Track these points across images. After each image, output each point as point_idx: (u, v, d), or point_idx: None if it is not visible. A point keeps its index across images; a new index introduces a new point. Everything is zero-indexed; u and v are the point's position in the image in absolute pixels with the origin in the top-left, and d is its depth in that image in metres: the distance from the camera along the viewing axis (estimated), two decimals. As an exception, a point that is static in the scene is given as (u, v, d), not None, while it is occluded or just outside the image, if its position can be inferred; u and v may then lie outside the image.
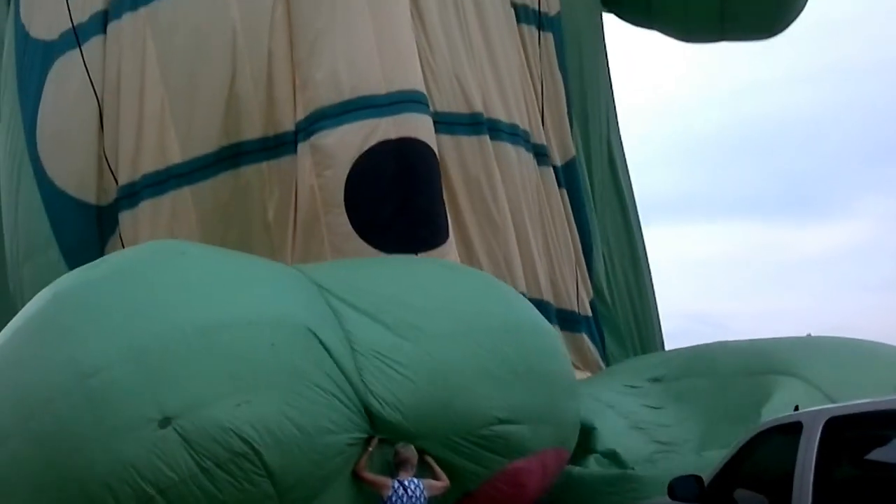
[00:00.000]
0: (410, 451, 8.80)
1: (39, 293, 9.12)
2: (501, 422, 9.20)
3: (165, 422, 7.83)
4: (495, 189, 13.69)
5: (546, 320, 10.80)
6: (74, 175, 13.87)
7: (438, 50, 13.49)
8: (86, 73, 13.24)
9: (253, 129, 12.78)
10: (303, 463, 8.18)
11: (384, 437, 8.74)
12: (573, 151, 15.86)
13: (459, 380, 9.10)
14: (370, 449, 8.69)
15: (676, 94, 54.20)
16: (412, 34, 13.01)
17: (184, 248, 9.93)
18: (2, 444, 8.27)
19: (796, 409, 8.60)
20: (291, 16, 12.86)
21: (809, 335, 9.40)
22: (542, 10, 15.46)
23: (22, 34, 13.85)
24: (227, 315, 8.59)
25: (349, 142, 12.23)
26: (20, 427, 8.20)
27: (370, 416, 8.63)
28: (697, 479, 8.88)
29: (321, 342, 8.73)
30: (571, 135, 15.91)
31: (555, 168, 15.31)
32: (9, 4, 14.93)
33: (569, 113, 15.88)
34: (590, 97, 16.55)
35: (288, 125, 12.79)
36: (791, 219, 54.32)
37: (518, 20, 15.23)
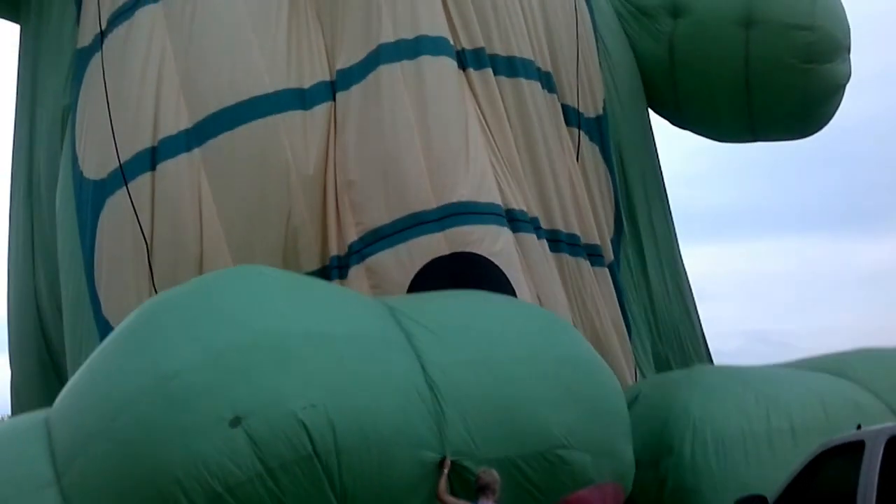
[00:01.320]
0: (492, 477, 8.81)
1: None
2: (564, 446, 9.34)
3: (236, 421, 8.17)
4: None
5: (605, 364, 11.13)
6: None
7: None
8: (134, 215, 12.83)
9: (311, 262, 12.68)
10: (366, 472, 8.39)
11: (454, 459, 8.82)
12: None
13: (525, 403, 9.31)
14: (445, 471, 8.75)
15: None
16: (461, 142, 12.85)
17: (262, 269, 10.31)
18: (87, 445, 8.73)
19: (858, 427, 8.75)
20: (337, 140, 12.86)
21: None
22: (581, 110, 15.35)
23: (77, 172, 13.79)
24: (300, 326, 8.98)
25: (403, 261, 12.09)
26: (104, 428, 8.65)
27: (439, 433, 8.81)
28: (762, 499, 9.02)
29: (391, 357, 9.04)
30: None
31: (609, 267, 14.97)
32: (63, 129, 14.77)
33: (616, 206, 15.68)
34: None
35: (338, 249, 12.64)
36: (858, 232, 53.61)
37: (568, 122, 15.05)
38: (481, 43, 13.69)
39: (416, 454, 8.68)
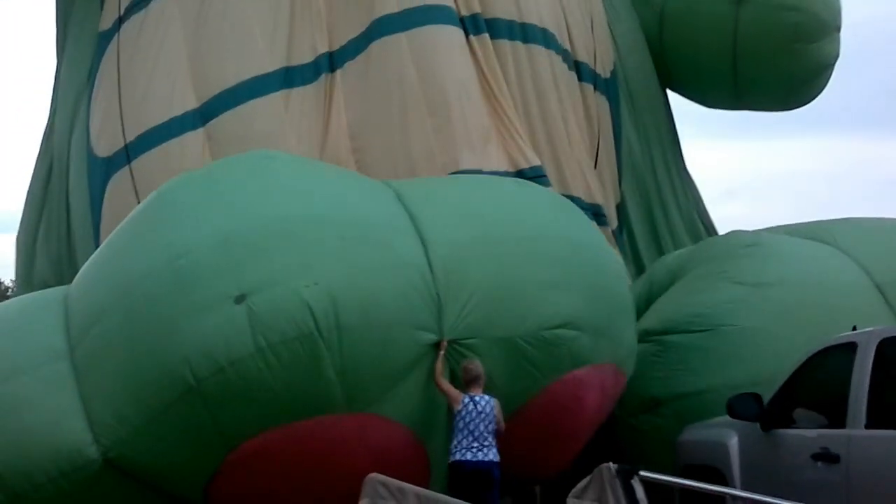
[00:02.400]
0: (479, 368, 9.01)
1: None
2: (562, 325, 9.46)
3: (240, 298, 8.43)
4: None
5: (610, 246, 11.22)
6: None
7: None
8: (134, 192, 12.96)
9: None
10: (366, 351, 8.60)
11: (452, 339, 9.02)
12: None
13: (525, 282, 9.45)
14: (442, 353, 8.94)
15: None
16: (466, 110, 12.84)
17: (273, 154, 10.58)
18: (99, 319, 9.10)
19: (854, 329, 8.90)
20: (333, 113, 12.97)
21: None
22: (597, 70, 15.47)
23: (89, 149, 14.05)
24: (306, 209, 9.25)
25: None
26: (115, 304, 9.03)
27: (438, 314, 8.98)
28: (756, 397, 9.13)
29: (395, 239, 9.24)
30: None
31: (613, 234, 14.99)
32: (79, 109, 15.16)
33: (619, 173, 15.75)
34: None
35: None
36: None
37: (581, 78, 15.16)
38: (477, 8, 13.60)
39: (414, 335, 8.88)
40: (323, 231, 9.01)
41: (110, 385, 8.74)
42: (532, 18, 14.07)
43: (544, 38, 14.17)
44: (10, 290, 35.51)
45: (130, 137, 13.21)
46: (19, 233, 16.34)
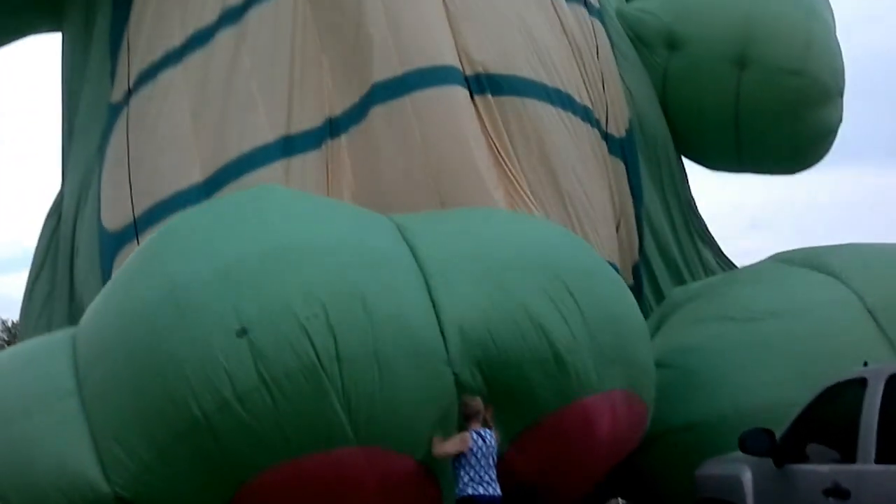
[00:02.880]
0: (478, 402, 9.02)
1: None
2: (567, 352, 9.38)
3: (242, 332, 8.46)
4: None
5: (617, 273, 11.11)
6: None
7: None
8: None
9: None
10: (370, 382, 8.59)
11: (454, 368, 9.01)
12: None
13: (527, 308, 9.38)
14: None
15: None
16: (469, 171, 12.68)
17: (273, 187, 10.70)
18: (104, 356, 9.17)
19: (865, 364, 8.84)
20: (333, 182, 12.87)
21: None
22: (609, 130, 15.17)
23: (99, 223, 14.09)
24: (306, 240, 9.30)
25: None
26: (119, 339, 9.10)
27: (441, 343, 8.97)
28: (769, 433, 9.07)
29: (394, 269, 9.28)
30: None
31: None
32: (80, 198, 15.16)
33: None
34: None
35: None
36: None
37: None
38: (482, 67, 13.32)
39: (419, 364, 8.84)
40: (322, 261, 9.04)
41: (119, 421, 8.75)
42: (543, 76, 13.79)
43: (559, 97, 13.88)
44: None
45: (139, 212, 13.25)
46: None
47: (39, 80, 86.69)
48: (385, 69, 12.93)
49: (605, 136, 14.91)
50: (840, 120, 17.23)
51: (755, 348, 11.54)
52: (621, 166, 15.23)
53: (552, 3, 14.69)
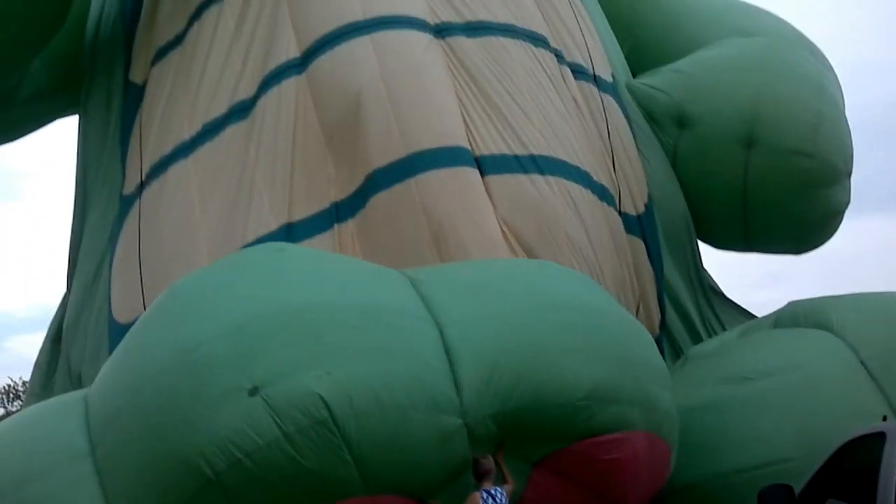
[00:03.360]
0: (490, 462, 8.95)
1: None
2: (585, 396, 9.26)
3: (254, 391, 8.42)
4: None
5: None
6: None
7: None
8: None
9: None
10: (382, 436, 8.52)
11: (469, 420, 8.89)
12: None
13: (544, 354, 9.31)
14: None
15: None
16: None
17: (282, 246, 10.72)
18: (117, 418, 9.12)
19: (884, 419, 8.77)
20: None
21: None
22: (625, 209, 14.96)
23: (110, 315, 14.23)
24: (317, 298, 9.28)
25: None
26: (131, 401, 9.05)
27: (456, 395, 8.88)
28: (788, 488, 8.98)
29: (407, 323, 9.23)
30: None
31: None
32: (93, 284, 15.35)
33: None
34: None
35: None
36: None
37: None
38: (493, 148, 13.01)
39: (432, 418, 8.75)
40: (334, 318, 9.03)
41: (132, 483, 8.70)
42: (558, 151, 13.56)
43: (578, 174, 13.67)
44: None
45: (150, 304, 13.19)
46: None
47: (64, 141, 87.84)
48: (386, 153, 12.66)
49: (621, 215, 14.71)
50: (848, 201, 17.26)
51: (750, 407, 11.53)
52: (640, 244, 15.05)
53: (564, 82, 14.71)
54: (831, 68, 18.34)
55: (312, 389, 8.46)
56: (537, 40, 14.58)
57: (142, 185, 14.42)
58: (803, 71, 17.21)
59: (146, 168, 14.53)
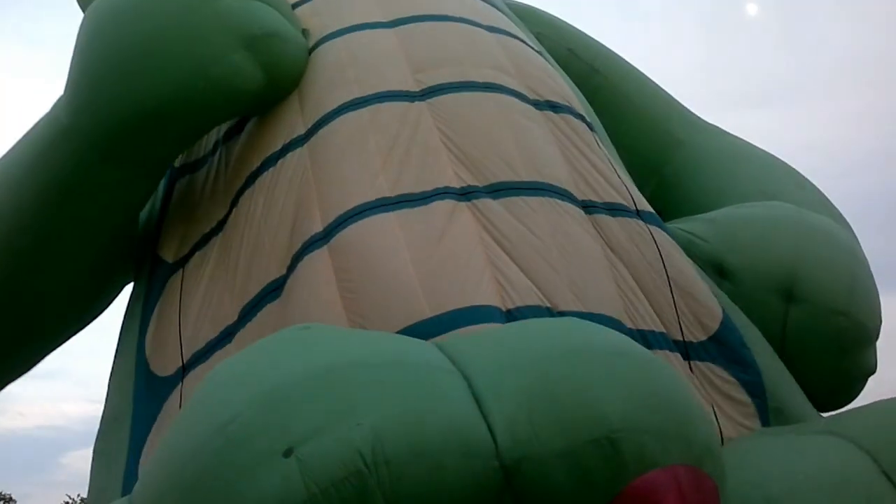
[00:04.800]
0: None
1: None
2: (619, 430, 8.82)
3: (288, 451, 8.42)
4: None
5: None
6: None
7: None
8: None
9: None
10: (417, 482, 8.40)
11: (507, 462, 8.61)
12: None
13: (575, 393, 8.98)
14: None
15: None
16: None
17: (307, 325, 10.77)
18: (160, 500, 9.04)
19: None
20: None
21: None
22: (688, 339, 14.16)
23: (143, 367, 14.37)
24: (344, 359, 9.35)
25: None
26: (171, 484, 8.99)
27: (489, 437, 8.66)
28: None
29: (435, 375, 9.20)
30: None
31: None
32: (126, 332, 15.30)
33: None
34: None
35: None
36: None
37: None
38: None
39: (465, 462, 8.55)
40: (362, 376, 9.07)
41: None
42: (593, 306, 12.93)
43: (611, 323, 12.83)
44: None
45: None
46: None
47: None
48: (412, 317, 12.11)
49: (685, 346, 13.95)
50: (874, 368, 17.06)
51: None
52: (713, 367, 14.20)
53: (600, 234, 14.15)
54: (850, 226, 18.60)
55: (345, 442, 8.43)
56: (562, 195, 14.14)
57: (184, 370, 14.43)
58: (835, 235, 17.32)
59: (187, 354, 14.43)
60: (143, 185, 14.86)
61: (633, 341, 10.88)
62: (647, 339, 13.55)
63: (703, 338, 14.38)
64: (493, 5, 16.06)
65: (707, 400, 13.62)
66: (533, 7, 19.20)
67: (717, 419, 13.69)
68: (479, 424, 8.86)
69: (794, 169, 18.99)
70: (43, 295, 16.16)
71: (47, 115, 15.43)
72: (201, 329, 14.38)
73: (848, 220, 18.62)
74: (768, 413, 14.41)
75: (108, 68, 14.45)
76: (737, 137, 20.04)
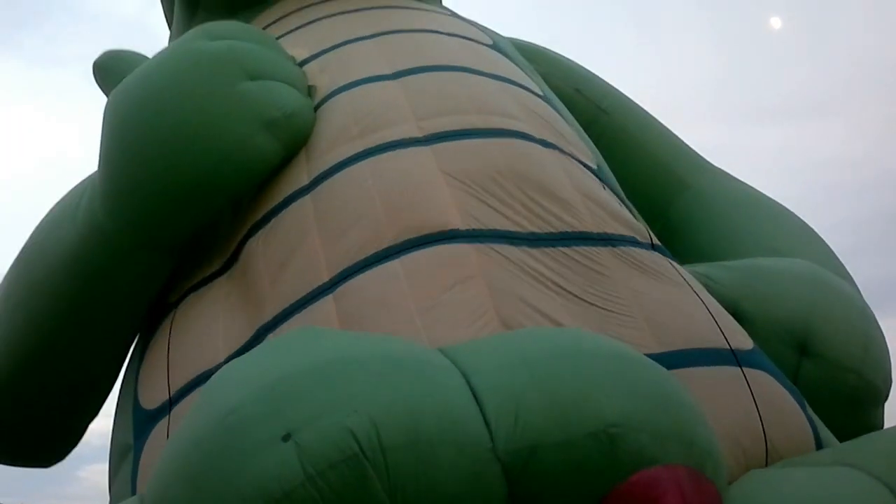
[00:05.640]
0: None
1: None
2: (617, 425, 8.63)
3: (287, 437, 8.71)
4: None
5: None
6: None
7: None
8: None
9: None
10: (414, 470, 8.52)
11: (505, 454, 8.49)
12: None
13: (573, 390, 8.85)
14: None
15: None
16: None
17: (313, 327, 10.98)
18: (168, 488, 9.20)
19: None
20: None
21: None
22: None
23: (137, 404, 14.42)
24: (344, 353, 9.57)
25: None
26: (178, 474, 9.20)
27: (485, 428, 8.65)
28: None
29: (433, 370, 9.27)
30: None
31: None
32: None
33: None
34: None
35: None
36: None
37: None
38: None
39: (463, 451, 8.54)
40: (361, 370, 9.29)
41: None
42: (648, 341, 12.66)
43: None
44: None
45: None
46: None
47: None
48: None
49: (734, 354, 12.29)
50: (882, 427, 17.03)
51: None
52: (761, 374, 13.96)
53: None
54: (855, 283, 18.65)
55: (341, 427, 8.64)
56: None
57: (170, 403, 14.41)
58: (847, 294, 17.34)
59: (174, 388, 14.47)
60: (171, 261, 15.18)
61: (632, 349, 10.46)
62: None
63: (747, 348, 13.99)
64: (500, 50, 16.23)
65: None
66: (540, 47, 19.12)
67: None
68: (475, 415, 8.89)
69: (801, 219, 19.02)
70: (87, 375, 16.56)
71: (73, 203, 15.86)
72: (189, 367, 14.43)
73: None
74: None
75: (138, 165, 14.67)
76: (743, 183, 20.07)
